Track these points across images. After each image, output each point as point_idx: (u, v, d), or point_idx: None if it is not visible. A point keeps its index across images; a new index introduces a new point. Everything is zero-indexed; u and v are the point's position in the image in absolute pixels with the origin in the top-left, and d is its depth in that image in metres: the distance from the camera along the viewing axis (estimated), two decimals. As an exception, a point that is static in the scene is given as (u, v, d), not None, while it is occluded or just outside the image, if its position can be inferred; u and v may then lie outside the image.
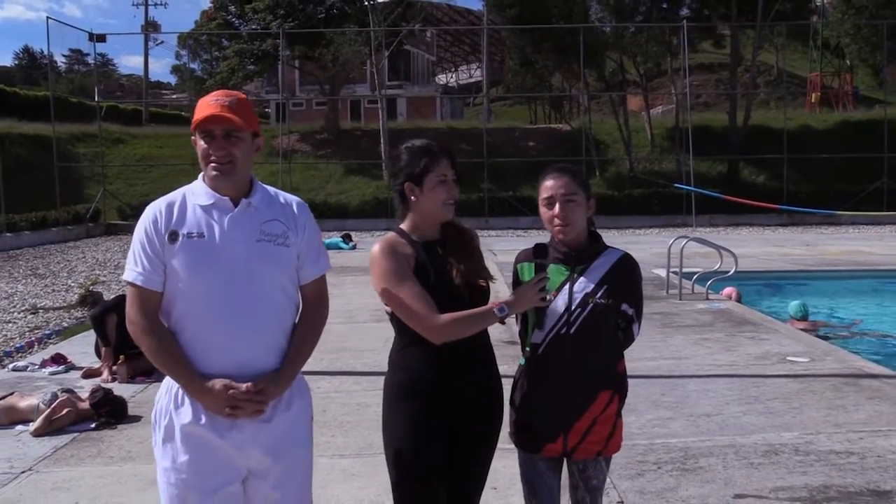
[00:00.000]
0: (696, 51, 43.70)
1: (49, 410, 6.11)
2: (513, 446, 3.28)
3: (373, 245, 3.10)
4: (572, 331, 3.08)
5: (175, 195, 2.87)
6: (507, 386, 3.22)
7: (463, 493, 3.16)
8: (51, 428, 6.05)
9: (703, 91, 53.54)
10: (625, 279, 3.17)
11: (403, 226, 3.12)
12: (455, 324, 2.93)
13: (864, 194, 28.67)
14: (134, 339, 2.81)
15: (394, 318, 3.07)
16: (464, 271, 3.04)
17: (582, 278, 3.10)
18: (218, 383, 2.71)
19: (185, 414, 2.77)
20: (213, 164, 2.78)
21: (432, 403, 3.01)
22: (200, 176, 2.86)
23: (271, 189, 2.99)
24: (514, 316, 3.13)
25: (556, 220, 3.11)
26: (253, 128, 2.84)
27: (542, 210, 3.17)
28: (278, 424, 2.83)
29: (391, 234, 3.11)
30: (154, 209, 2.82)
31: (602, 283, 3.10)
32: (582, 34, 30.33)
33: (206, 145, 2.78)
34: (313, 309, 2.97)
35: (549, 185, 3.15)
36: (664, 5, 34.03)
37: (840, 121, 37.23)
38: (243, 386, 2.71)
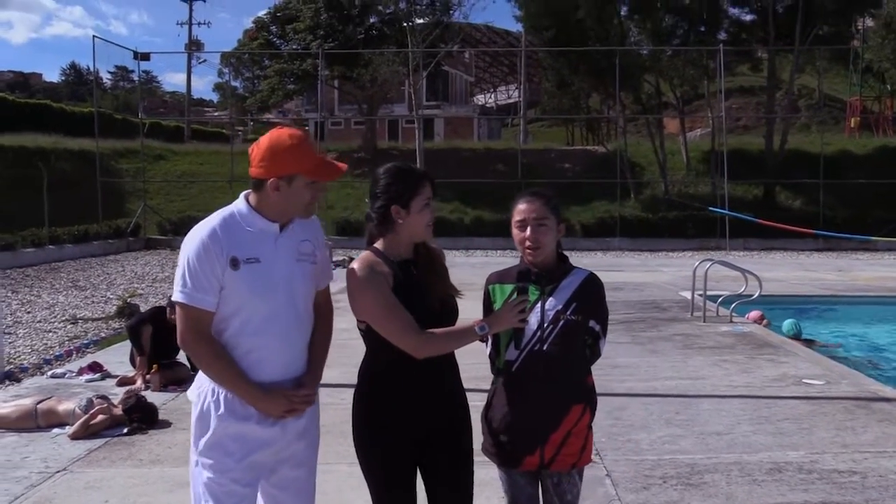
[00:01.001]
0: (733, 74, 43.63)
1: (87, 416, 6.41)
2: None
3: (351, 263, 3.17)
4: (545, 347, 3.22)
5: (225, 216, 3.02)
6: (476, 402, 3.38)
7: (454, 489, 3.24)
8: (87, 432, 6.35)
9: (742, 114, 53.34)
10: (591, 297, 3.32)
11: (379, 245, 3.19)
12: (438, 341, 3.05)
13: (902, 221, 28.39)
14: (188, 354, 3.11)
15: (367, 334, 3.14)
16: (437, 290, 3.16)
17: (552, 297, 3.24)
18: (280, 392, 3.02)
19: (236, 418, 3.01)
20: (312, 209, 3.13)
21: (402, 417, 3.10)
22: (243, 197, 3.07)
23: None
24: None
25: (528, 243, 3.26)
26: None
27: (515, 232, 3.32)
28: (305, 413, 3.15)
29: (368, 254, 3.17)
30: (208, 230, 2.95)
31: (571, 300, 3.24)
32: (618, 57, 30.49)
33: (312, 192, 3.05)
34: (326, 313, 3.30)
35: (521, 209, 3.30)
36: (702, 28, 34.06)
37: (879, 146, 36.89)
38: (301, 391, 3.07)
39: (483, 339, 3.17)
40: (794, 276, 18.50)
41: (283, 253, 3.04)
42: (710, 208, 26.61)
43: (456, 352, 3.21)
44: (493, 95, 73.17)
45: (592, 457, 3.51)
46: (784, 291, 14.88)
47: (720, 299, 12.14)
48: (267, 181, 2.97)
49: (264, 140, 3.02)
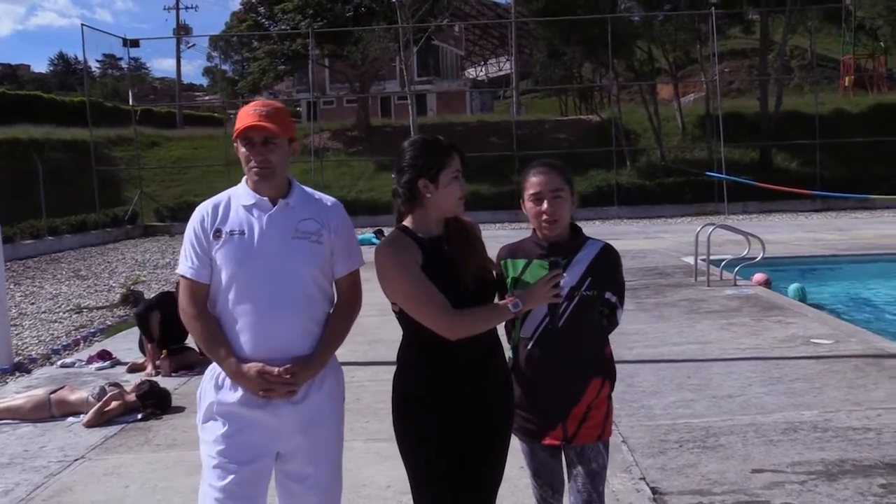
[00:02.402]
0: (726, 37, 43.37)
1: (100, 403, 6.42)
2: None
3: (378, 244, 3.09)
4: (560, 323, 3.15)
5: (221, 196, 3.15)
6: None
7: (475, 489, 3.12)
8: (102, 419, 6.36)
9: (734, 77, 53.13)
10: (607, 269, 3.24)
11: (407, 223, 3.07)
12: (471, 321, 2.94)
13: (900, 178, 28.38)
14: (185, 325, 3.13)
15: (402, 317, 3.04)
16: (471, 266, 3.03)
17: (566, 273, 3.14)
18: (253, 367, 2.98)
19: (225, 394, 3.06)
20: (254, 170, 3.04)
21: (443, 406, 3.00)
22: (244, 179, 3.14)
23: (308, 189, 3.24)
24: None
25: (545, 216, 3.17)
26: (289, 134, 3.10)
27: (529, 205, 3.23)
28: (311, 403, 3.09)
29: (396, 233, 3.06)
30: (202, 210, 3.12)
31: (586, 275, 3.17)
32: (610, 24, 30.33)
33: (247, 152, 3.04)
34: (346, 301, 3.21)
35: (535, 181, 3.22)
36: (692, -8, 33.90)
37: (874, 104, 36.77)
38: (276, 370, 2.98)
39: (517, 317, 3.09)
40: (795, 237, 18.52)
41: (273, 228, 3.03)
42: (707, 173, 26.59)
43: None
44: (483, 68, 72.82)
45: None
46: (786, 253, 14.91)
47: (723, 263, 12.16)
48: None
49: None
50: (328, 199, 3.23)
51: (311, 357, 3.09)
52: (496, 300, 3.12)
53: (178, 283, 8.58)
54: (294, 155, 3.19)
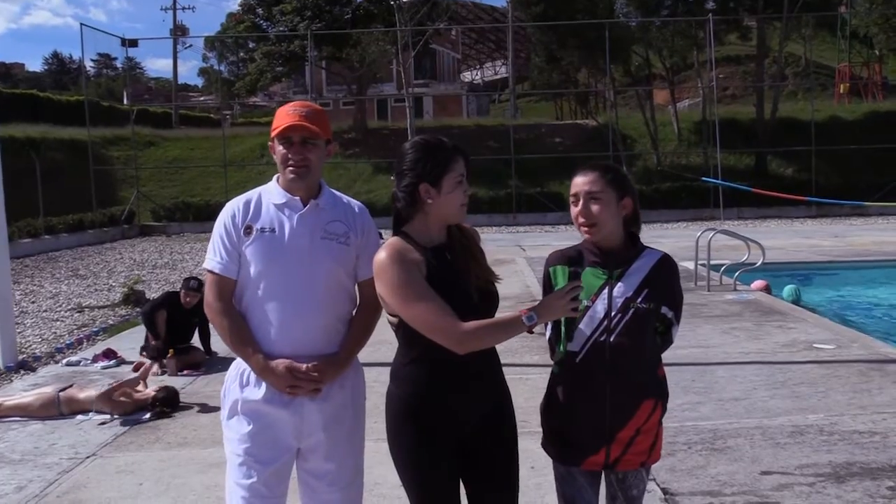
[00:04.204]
0: (722, 43, 43.56)
1: (108, 389, 6.49)
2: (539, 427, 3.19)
3: (378, 252, 2.86)
4: (612, 338, 2.92)
5: (252, 194, 3.18)
6: (539, 393, 3.20)
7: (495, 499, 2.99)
8: (108, 404, 6.41)
9: (729, 84, 53.32)
10: (665, 282, 3.01)
11: (407, 230, 2.88)
12: (481, 333, 2.72)
13: (894, 185, 28.54)
14: (210, 320, 3.16)
15: (400, 330, 2.86)
16: (475, 276, 2.87)
17: (620, 283, 2.94)
18: (281, 363, 3.02)
19: (250, 392, 3.09)
20: (290, 168, 3.08)
21: (440, 420, 2.84)
22: (275, 177, 3.18)
23: (337, 192, 3.29)
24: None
25: (580, 219, 2.98)
26: (327, 135, 3.15)
27: (571, 208, 3.03)
28: (333, 401, 3.14)
29: (396, 240, 2.86)
30: (233, 206, 3.15)
31: (642, 286, 2.94)
32: (607, 29, 30.44)
33: (284, 150, 3.08)
34: (370, 302, 3.20)
35: (576, 182, 3.01)
36: (690, -1, 34.05)
37: (869, 111, 36.97)
38: (303, 366, 3.01)
39: (530, 331, 2.79)
40: (792, 243, 18.62)
41: (303, 227, 3.07)
42: (703, 178, 26.73)
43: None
44: (479, 72, 72.92)
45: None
46: (784, 259, 15.00)
47: (723, 268, 12.22)
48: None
49: None
50: (356, 204, 3.28)
51: (337, 355, 3.13)
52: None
53: (182, 283, 8.61)
54: (330, 157, 3.22)
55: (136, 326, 10.13)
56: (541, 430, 3.15)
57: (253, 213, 3.11)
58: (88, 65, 78.40)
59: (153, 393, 6.63)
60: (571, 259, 3.04)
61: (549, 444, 3.12)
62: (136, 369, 8.14)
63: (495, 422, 2.96)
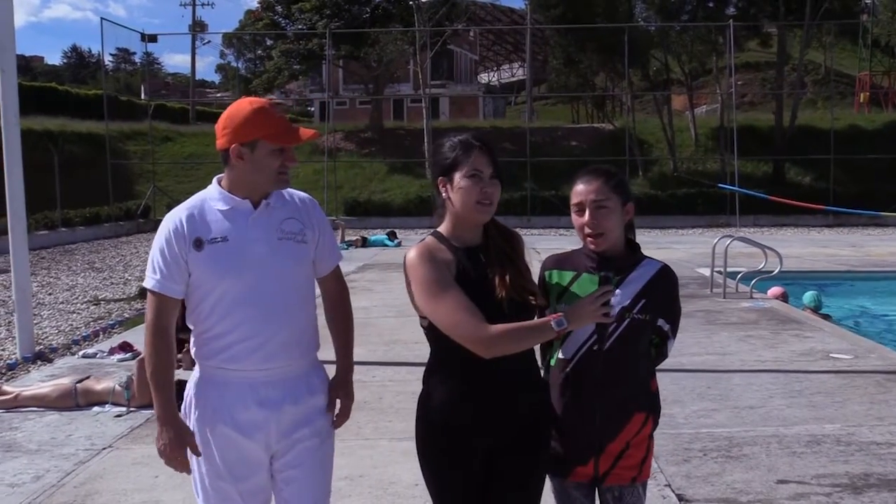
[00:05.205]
0: (742, 50, 43.46)
1: (137, 380, 6.49)
2: None
3: (408, 251, 2.81)
4: (606, 347, 2.84)
5: (193, 202, 2.91)
6: None
7: None
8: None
9: (748, 90, 53.16)
10: (663, 293, 2.94)
11: (442, 229, 2.83)
12: (508, 336, 2.63)
13: (912, 196, 28.41)
14: (146, 341, 2.90)
15: (430, 332, 2.79)
16: (508, 284, 2.72)
17: (618, 291, 2.82)
18: (174, 431, 2.85)
19: (205, 417, 2.90)
20: (283, 177, 2.87)
21: (472, 432, 2.76)
22: (215, 181, 2.94)
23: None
24: None
25: (587, 229, 2.88)
26: None
27: (573, 217, 2.94)
28: (300, 409, 2.94)
29: (429, 239, 2.82)
30: (174, 218, 2.86)
31: (640, 296, 2.86)
32: (626, 33, 30.40)
33: (280, 159, 2.84)
34: (340, 299, 3.13)
35: (578, 190, 2.91)
36: (710, 4, 33.94)
37: (889, 121, 36.74)
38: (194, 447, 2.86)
39: (558, 337, 2.76)
40: (808, 252, 18.54)
41: (258, 231, 2.85)
42: (720, 185, 26.61)
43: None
44: (496, 74, 72.92)
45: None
46: (801, 267, 14.94)
47: (739, 275, 12.17)
48: (230, 151, 2.83)
49: (226, 110, 2.92)
50: (304, 196, 3.05)
51: (342, 378, 3.10)
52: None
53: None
54: None
55: (151, 320, 10.15)
56: None
57: (199, 224, 2.84)
58: (107, 59, 78.89)
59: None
60: (566, 263, 2.97)
61: None
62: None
63: (528, 431, 2.83)
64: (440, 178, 2.78)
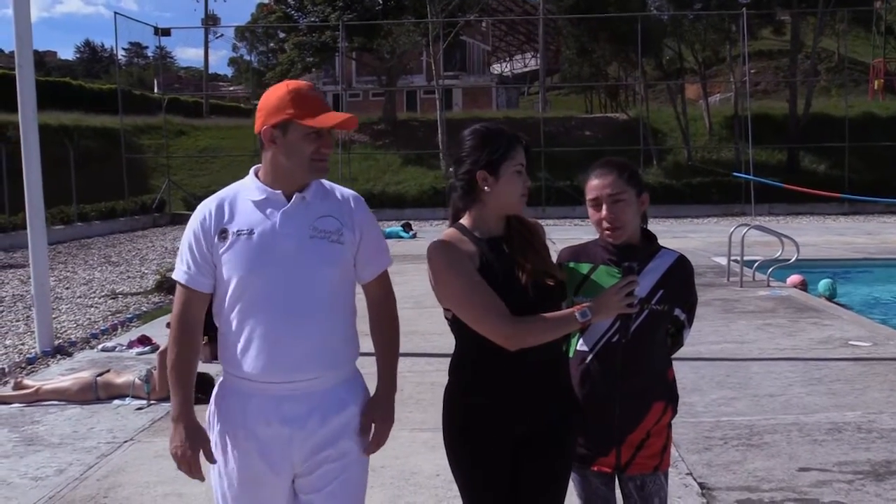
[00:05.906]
0: (755, 38, 43.18)
1: (158, 371, 6.52)
2: None
3: (431, 243, 2.76)
4: (624, 339, 2.84)
5: (226, 192, 2.78)
6: None
7: None
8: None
9: (761, 79, 52.86)
10: (680, 283, 2.96)
11: (464, 221, 2.80)
12: (533, 330, 2.64)
13: (929, 183, 28.19)
14: (170, 333, 2.79)
15: (454, 324, 2.76)
16: (531, 270, 2.71)
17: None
18: (188, 435, 2.73)
19: (226, 430, 2.76)
20: (320, 163, 2.70)
21: (499, 424, 2.74)
22: (252, 171, 2.79)
23: (327, 183, 2.83)
24: None
25: (605, 224, 2.89)
26: None
27: (590, 211, 2.95)
28: (328, 428, 2.72)
29: (451, 231, 2.78)
30: (204, 208, 2.74)
31: (657, 287, 2.88)
32: (639, 23, 30.29)
33: (315, 144, 2.66)
34: (384, 306, 2.89)
35: (594, 185, 2.92)
36: (723, -8, 33.76)
37: (904, 108, 36.55)
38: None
39: (584, 328, 2.78)
40: (824, 240, 18.45)
41: (289, 226, 2.65)
42: (735, 174, 26.51)
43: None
44: (509, 64, 72.76)
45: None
46: (818, 256, 14.86)
47: (756, 264, 12.13)
48: (262, 134, 2.69)
49: (265, 94, 2.77)
50: (350, 194, 2.83)
51: (379, 397, 2.83)
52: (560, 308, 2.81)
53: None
54: None
55: (169, 313, 10.20)
56: None
57: (227, 215, 2.69)
58: (120, 53, 79.12)
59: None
60: (582, 255, 2.98)
61: None
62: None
63: (557, 431, 2.80)
64: (481, 171, 2.71)
